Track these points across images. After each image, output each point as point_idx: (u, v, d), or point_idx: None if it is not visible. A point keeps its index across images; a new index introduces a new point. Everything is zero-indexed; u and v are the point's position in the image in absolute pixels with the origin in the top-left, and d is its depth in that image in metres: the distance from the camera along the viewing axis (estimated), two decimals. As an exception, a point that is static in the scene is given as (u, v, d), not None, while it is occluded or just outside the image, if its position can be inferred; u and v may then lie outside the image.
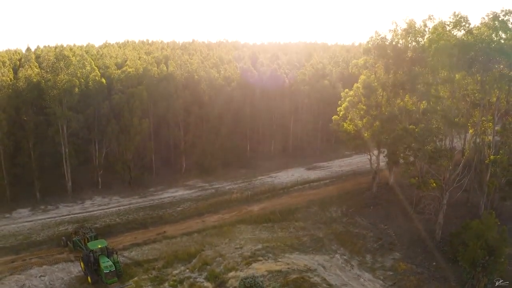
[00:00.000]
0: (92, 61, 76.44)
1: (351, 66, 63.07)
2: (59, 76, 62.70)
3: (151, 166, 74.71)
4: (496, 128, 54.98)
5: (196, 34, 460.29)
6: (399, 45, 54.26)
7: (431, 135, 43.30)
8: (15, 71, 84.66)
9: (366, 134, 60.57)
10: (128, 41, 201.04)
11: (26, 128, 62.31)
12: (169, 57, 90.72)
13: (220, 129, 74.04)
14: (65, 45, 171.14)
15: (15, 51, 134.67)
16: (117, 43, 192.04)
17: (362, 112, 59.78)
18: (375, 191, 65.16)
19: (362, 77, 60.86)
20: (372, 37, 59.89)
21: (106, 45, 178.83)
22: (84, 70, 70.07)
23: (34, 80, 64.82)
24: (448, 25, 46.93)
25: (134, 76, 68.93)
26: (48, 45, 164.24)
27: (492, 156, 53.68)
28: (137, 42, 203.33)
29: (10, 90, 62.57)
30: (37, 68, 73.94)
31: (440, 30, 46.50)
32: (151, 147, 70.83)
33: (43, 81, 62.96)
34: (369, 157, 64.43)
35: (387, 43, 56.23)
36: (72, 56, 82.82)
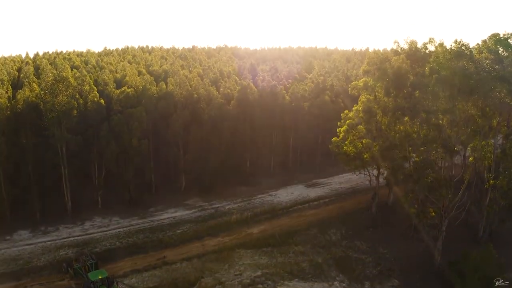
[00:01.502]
0: (91, 80, 76.39)
1: (351, 88, 63.04)
2: (58, 98, 62.71)
3: (150, 184, 74.70)
4: (496, 151, 55.02)
5: (197, 39, 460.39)
6: (400, 69, 54.10)
7: (431, 166, 43.32)
8: (14, 86, 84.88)
9: (366, 156, 60.63)
10: (128, 48, 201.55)
11: (25, 150, 62.30)
12: (168, 73, 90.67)
13: (219, 147, 73.96)
14: (65, 51, 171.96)
15: (14, 59, 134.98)
16: (116, 50, 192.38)
17: (362, 134, 59.77)
18: (374, 211, 65.23)
19: (362, 98, 60.91)
20: (372, 57, 60.04)
21: (106, 52, 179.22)
22: (83, 88, 70.16)
23: (33, 101, 64.74)
24: (450, 53, 46.91)
25: (133, 96, 68.81)
26: (48, 52, 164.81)
27: (491, 181, 53.79)
28: (136, 49, 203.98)
29: (8, 112, 62.47)
30: (35, 84, 73.84)
31: (441, 59, 46.47)
32: (151, 167, 70.85)
33: (42, 103, 62.90)
34: (368, 177, 64.53)
35: (388, 65, 56.22)
36: (72, 72, 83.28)
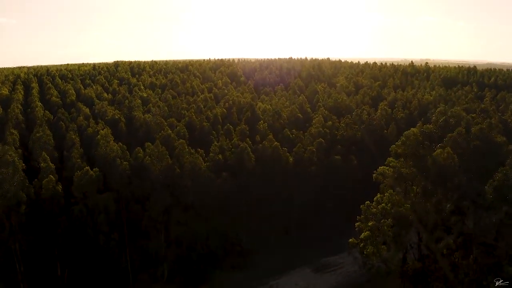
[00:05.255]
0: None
1: (376, 175, 49.50)
2: (3, 188, 49.47)
3: (126, 273, 61.32)
4: None
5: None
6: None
7: None
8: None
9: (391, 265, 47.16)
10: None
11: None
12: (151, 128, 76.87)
13: (208, 229, 60.65)
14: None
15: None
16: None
17: (388, 239, 46.22)
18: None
19: (387, 195, 47.17)
20: (410, 137, 46.71)
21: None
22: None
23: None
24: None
25: (97, 178, 55.25)
26: None
27: None
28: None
29: None
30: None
31: None
32: (126, 258, 57.53)
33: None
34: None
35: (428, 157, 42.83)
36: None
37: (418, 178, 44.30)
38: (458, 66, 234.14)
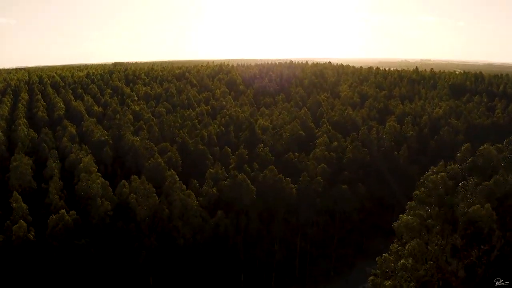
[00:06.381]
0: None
1: (396, 225, 42.53)
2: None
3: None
4: None
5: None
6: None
7: None
8: None
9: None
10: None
11: None
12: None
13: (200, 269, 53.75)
14: None
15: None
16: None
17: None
18: None
19: (409, 248, 40.20)
20: (435, 181, 39.88)
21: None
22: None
23: None
24: None
25: (74, 222, 48.17)
26: None
27: None
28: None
29: None
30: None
31: None
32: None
33: None
34: None
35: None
36: None
37: (446, 231, 37.40)
38: (464, 71, 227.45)
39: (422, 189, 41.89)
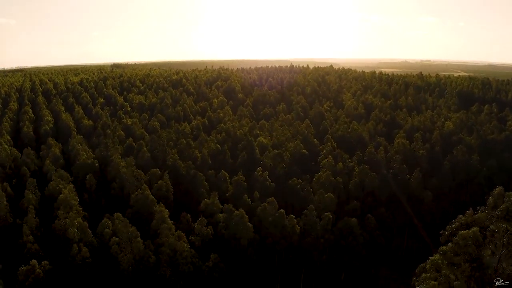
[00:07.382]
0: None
1: (419, 281, 36.19)
2: None
3: None
4: None
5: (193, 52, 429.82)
6: None
7: None
8: None
9: None
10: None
11: None
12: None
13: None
14: None
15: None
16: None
17: None
18: None
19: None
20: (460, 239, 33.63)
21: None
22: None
23: None
24: None
25: (45, 275, 41.66)
26: None
27: None
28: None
29: None
30: None
31: None
32: None
33: None
34: None
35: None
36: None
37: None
38: (470, 77, 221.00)
39: (450, 244, 35.45)
